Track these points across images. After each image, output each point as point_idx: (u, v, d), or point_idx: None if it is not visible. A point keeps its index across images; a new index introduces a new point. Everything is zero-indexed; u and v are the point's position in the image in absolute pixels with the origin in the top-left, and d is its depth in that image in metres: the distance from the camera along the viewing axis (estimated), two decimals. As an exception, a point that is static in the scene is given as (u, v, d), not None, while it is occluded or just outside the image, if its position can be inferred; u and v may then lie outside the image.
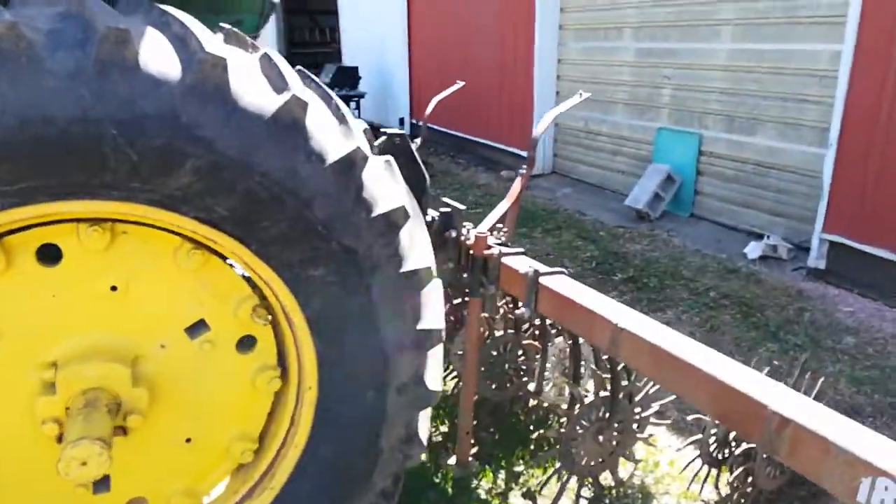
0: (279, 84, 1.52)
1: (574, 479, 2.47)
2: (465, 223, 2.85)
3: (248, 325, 1.73)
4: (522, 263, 2.43)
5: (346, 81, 11.22)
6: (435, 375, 1.97)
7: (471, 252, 2.53)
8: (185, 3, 2.08)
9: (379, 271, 1.69)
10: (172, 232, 1.54)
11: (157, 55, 1.36)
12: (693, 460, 2.45)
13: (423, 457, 2.78)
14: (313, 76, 1.77)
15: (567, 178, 7.85)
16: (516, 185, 2.88)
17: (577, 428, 2.36)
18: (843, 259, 4.61)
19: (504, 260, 2.46)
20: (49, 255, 1.53)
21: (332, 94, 1.76)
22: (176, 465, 1.80)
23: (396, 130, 3.02)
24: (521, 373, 2.93)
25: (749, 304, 4.21)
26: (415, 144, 2.83)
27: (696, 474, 2.45)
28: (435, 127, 10.47)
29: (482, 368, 2.90)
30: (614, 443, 2.44)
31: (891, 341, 3.78)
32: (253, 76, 1.50)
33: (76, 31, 1.30)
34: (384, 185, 1.73)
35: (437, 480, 2.63)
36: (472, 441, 2.84)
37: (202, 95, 1.38)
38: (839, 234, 4.59)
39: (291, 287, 1.63)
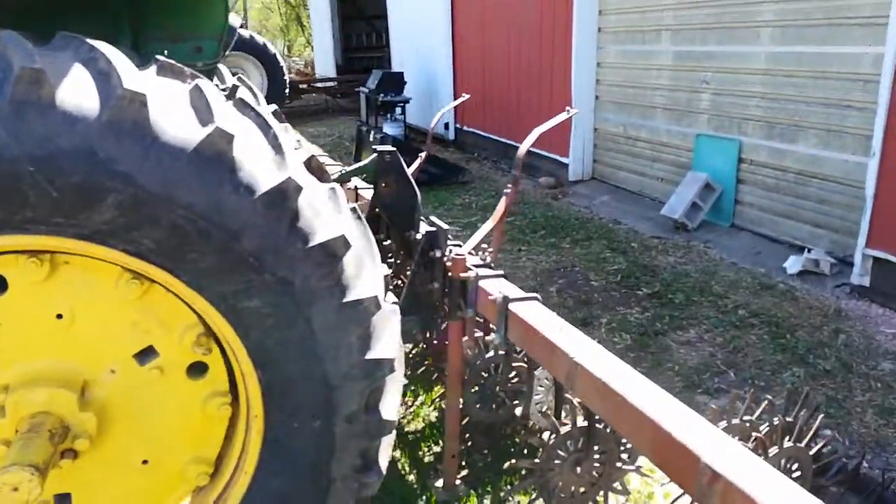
0: (205, 116, 1.52)
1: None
2: (454, 242, 2.80)
3: (196, 353, 1.75)
4: (498, 287, 2.37)
5: (391, 86, 11.30)
6: (391, 404, 1.94)
7: (449, 274, 2.47)
8: (143, 32, 2.12)
9: (318, 302, 1.67)
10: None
11: (74, 92, 1.38)
12: (682, 494, 2.32)
13: (412, 478, 2.77)
14: (254, 105, 1.77)
15: (606, 185, 7.64)
16: (501, 205, 2.81)
17: (554, 458, 2.27)
18: (888, 276, 4.28)
19: (481, 283, 2.40)
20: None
21: (272, 122, 1.75)
22: (134, 486, 1.84)
23: (388, 148, 3.01)
24: (513, 396, 2.85)
25: (779, 324, 3.97)
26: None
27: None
28: (479, 132, 10.44)
29: (473, 390, 2.85)
30: (595, 474, 2.34)
31: (933, 368, 3.48)
32: (178, 109, 1.51)
33: (-3, 71, 1.34)
34: (323, 215, 1.70)
35: (422, 503, 2.58)
36: (461, 464, 2.80)
37: (120, 131, 1.40)
38: (884, 249, 4.28)
39: (228, 318, 1.63)
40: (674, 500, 2.42)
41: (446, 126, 11.39)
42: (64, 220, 1.42)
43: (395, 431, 2.04)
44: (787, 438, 2.28)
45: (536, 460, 2.25)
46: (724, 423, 2.34)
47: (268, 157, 1.62)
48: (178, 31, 2.18)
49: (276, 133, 1.70)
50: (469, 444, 2.90)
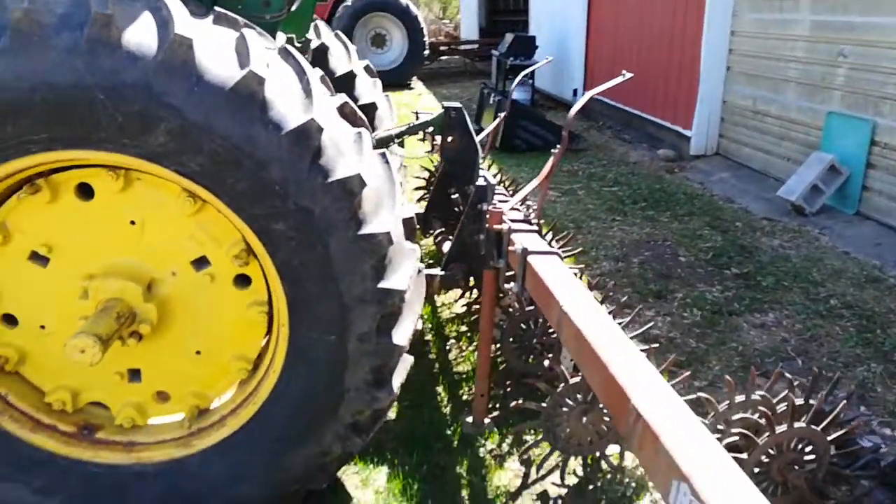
0: (244, 61, 1.79)
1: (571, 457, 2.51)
2: (502, 198, 2.93)
3: (237, 266, 2.07)
4: (528, 241, 2.48)
5: (522, 50, 11.25)
6: (403, 331, 2.16)
7: (487, 226, 2.62)
8: None
9: (335, 231, 1.92)
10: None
11: (136, 35, 1.70)
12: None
13: (447, 411, 2.98)
14: (297, 55, 2.01)
15: (729, 161, 7.22)
16: (547, 165, 2.88)
17: (561, 407, 2.38)
18: None
19: (513, 236, 2.52)
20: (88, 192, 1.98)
21: (310, 70, 1.99)
22: (189, 371, 2.22)
23: (454, 105, 3.18)
24: (549, 349, 2.96)
25: (872, 319, 3.68)
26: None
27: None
28: (605, 99, 10.17)
29: (511, 339, 2.99)
30: (605, 427, 2.42)
31: None
32: (222, 53, 1.79)
33: (79, 14, 1.68)
34: (345, 155, 1.94)
35: (448, 433, 2.80)
36: (494, 406, 2.98)
37: (171, 69, 1.71)
38: None
39: (260, 238, 1.92)
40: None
41: (574, 92, 11.20)
42: (129, 141, 1.77)
43: (410, 358, 2.27)
44: (801, 419, 2.22)
45: (544, 404, 2.37)
46: (741, 397, 2.33)
47: (297, 99, 1.86)
48: (250, -15, 2.46)
49: (309, 79, 1.93)
50: (507, 389, 3.06)
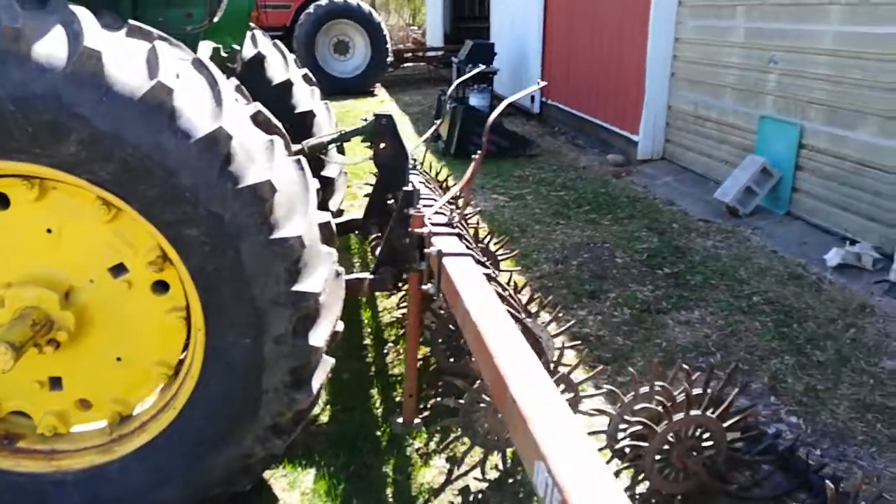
0: (153, 72, 1.86)
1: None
2: (428, 202, 3.03)
3: (154, 272, 2.13)
4: (448, 244, 2.59)
5: (481, 57, 11.40)
6: (320, 333, 2.24)
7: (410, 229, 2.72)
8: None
9: (246, 236, 2.00)
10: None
11: (46, 47, 1.77)
12: (600, 450, 2.47)
13: (378, 412, 3.07)
14: (211, 66, 2.09)
15: (674, 165, 7.46)
16: (469, 170, 2.99)
17: (478, 403, 2.49)
18: (928, 275, 4.03)
19: (434, 239, 2.63)
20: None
21: (222, 80, 2.07)
22: (111, 377, 2.26)
23: (384, 113, 3.29)
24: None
25: (790, 314, 3.88)
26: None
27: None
28: (561, 106, 10.38)
29: (440, 340, 3.10)
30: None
31: (941, 371, 3.31)
32: (131, 65, 1.86)
33: (-11, 29, 1.74)
34: (256, 161, 2.02)
35: (378, 434, 2.89)
36: (425, 406, 3.07)
37: (80, 80, 1.78)
38: (927, 246, 4.02)
39: (173, 244, 1.99)
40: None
41: (532, 99, 11.40)
42: (41, 151, 1.83)
43: (331, 360, 2.35)
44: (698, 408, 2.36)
45: (461, 401, 2.48)
46: (645, 388, 2.47)
47: (206, 108, 1.95)
48: (170, -1, 2.54)
49: (220, 89, 2.02)
50: (438, 389, 3.16)
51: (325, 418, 2.97)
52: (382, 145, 3.37)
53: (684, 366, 2.45)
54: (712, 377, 2.45)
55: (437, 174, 4.88)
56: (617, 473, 2.46)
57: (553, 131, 9.96)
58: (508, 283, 3.42)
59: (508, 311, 2.47)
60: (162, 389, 2.32)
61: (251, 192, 1.97)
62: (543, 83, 3.09)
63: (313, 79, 4.06)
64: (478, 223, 4.08)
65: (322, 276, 2.20)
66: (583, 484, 1.28)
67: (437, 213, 2.96)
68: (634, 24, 7.76)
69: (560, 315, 3.89)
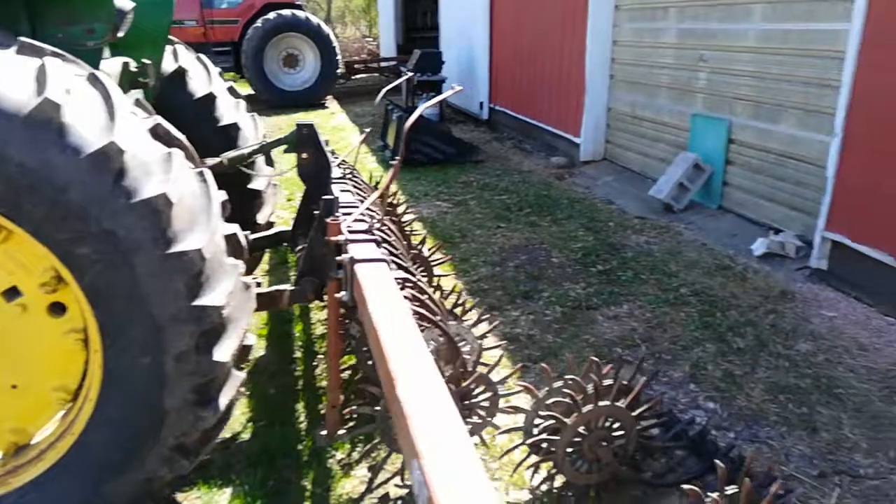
0: (41, 88, 1.85)
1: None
2: (346, 210, 3.06)
3: (48, 294, 2.10)
4: (365, 251, 2.61)
5: (429, 66, 11.50)
6: (225, 348, 2.23)
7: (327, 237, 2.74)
8: (40, 16, 2.49)
9: (141, 251, 1.98)
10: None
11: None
12: (517, 446, 2.52)
13: (302, 426, 3.06)
14: (106, 80, 2.08)
15: (615, 166, 7.63)
16: (386, 178, 3.03)
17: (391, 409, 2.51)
18: (844, 260, 4.20)
19: (349, 246, 2.65)
20: None
21: (117, 94, 2.07)
22: (5, 406, 2.17)
23: (306, 122, 3.31)
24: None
25: (715, 304, 4.00)
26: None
27: (521, 462, 2.52)
28: (509, 112, 10.52)
29: (364, 349, 3.11)
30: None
31: (852, 351, 3.45)
32: (18, 82, 1.85)
33: None
34: (152, 175, 2.01)
35: (300, 448, 2.88)
36: (349, 416, 3.07)
37: (-38, 98, 1.76)
38: (841, 232, 4.19)
39: (65, 263, 1.96)
40: (507, 451, 2.64)
41: (481, 105, 11.53)
42: (-76, 171, 1.80)
43: (241, 375, 2.35)
44: (605, 399, 2.43)
45: (377, 409, 2.50)
46: (559, 382, 2.53)
47: (97, 123, 1.94)
48: (71, 15, 2.52)
49: (114, 103, 2.01)
50: (365, 399, 3.17)
51: (245, 435, 2.95)
52: (305, 155, 3.38)
53: (594, 358, 2.52)
54: (622, 368, 2.52)
55: (376, 182, 4.88)
56: (535, 468, 2.51)
57: (500, 136, 10.08)
58: (437, 288, 3.48)
59: (423, 315, 2.52)
60: (62, 415, 2.27)
61: (146, 207, 1.95)
62: (459, 88, 3.13)
63: (238, 92, 4.05)
64: (411, 231, 4.11)
65: (226, 290, 2.19)
66: (452, 482, 1.30)
67: (356, 220, 2.99)
68: (574, 28, 7.92)
69: (493, 316, 3.96)
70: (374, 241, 2.81)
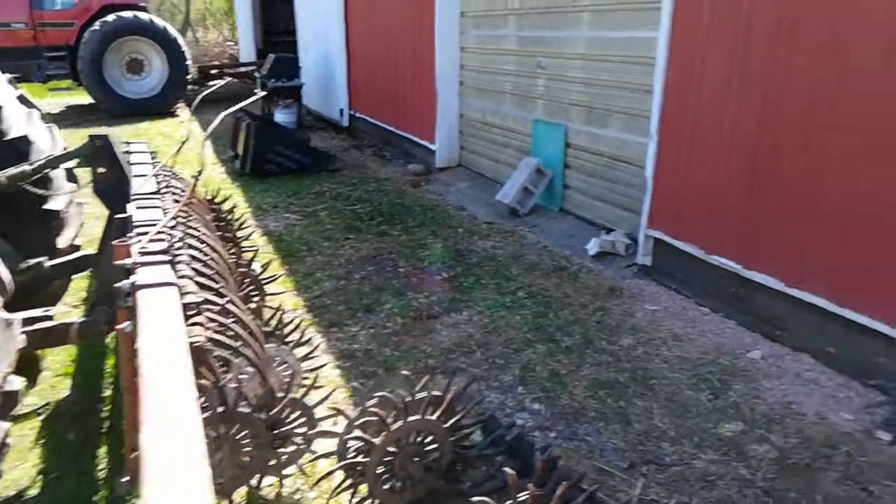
0: None
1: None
2: (143, 230, 2.80)
3: None
4: (158, 274, 2.38)
5: (284, 72, 11.12)
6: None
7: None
8: None
9: None
10: None
11: None
12: (333, 470, 2.40)
13: (101, 474, 2.75)
14: None
15: (470, 172, 7.74)
16: (189, 189, 2.82)
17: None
18: (665, 256, 4.47)
19: (138, 270, 2.42)
20: None
21: None
22: None
23: (100, 133, 3.00)
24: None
25: (549, 305, 4.11)
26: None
27: (338, 487, 2.41)
28: (368, 118, 10.40)
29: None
30: (246, 458, 2.39)
31: (668, 342, 3.66)
32: None
33: None
34: None
35: (95, 499, 2.59)
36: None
37: None
38: (661, 230, 4.46)
39: None
40: (322, 477, 2.52)
41: (341, 112, 11.34)
42: None
43: (5, 425, 2.06)
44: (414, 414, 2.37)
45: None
46: (373, 401, 2.44)
47: None
48: None
49: None
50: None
51: (33, 491, 2.61)
52: (102, 170, 3.08)
53: (405, 372, 2.45)
54: (454, 377, 2.47)
55: (214, 197, 4.55)
56: (353, 491, 2.40)
57: (361, 144, 9.96)
58: (259, 308, 3.28)
59: (219, 341, 2.34)
60: None
61: None
62: (263, 93, 2.98)
63: (31, 101, 3.63)
64: (240, 250, 3.87)
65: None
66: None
67: (153, 240, 2.74)
68: (423, 34, 7.95)
69: (331, 333, 3.83)
70: (169, 262, 2.58)
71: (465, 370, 3.40)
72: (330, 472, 2.41)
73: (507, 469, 2.00)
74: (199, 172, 2.82)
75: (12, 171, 3.01)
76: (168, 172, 3.85)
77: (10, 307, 2.46)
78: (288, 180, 7.50)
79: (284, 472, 2.39)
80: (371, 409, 2.38)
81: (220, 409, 2.18)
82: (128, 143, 4.03)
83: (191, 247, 2.95)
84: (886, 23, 3.00)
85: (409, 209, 6.29)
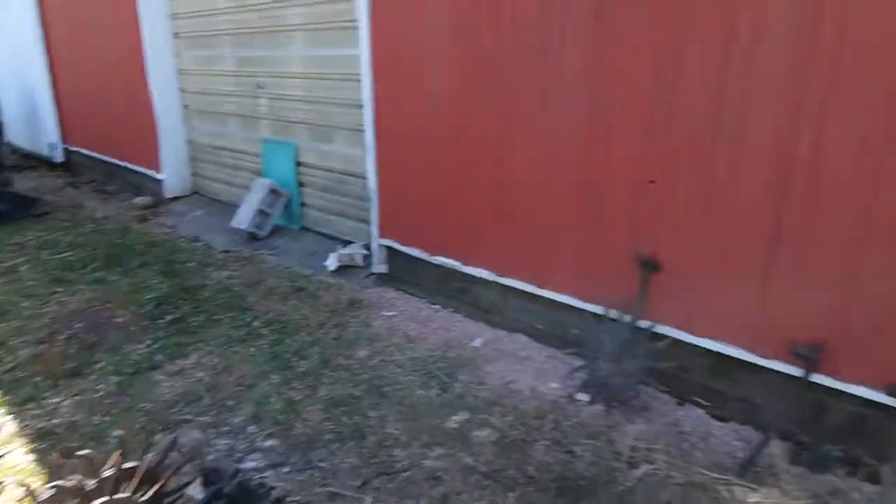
0: None
1: None
2: None
3: None
4: None
5: (-29, 107, 9.46)
6: None
7: None
8: None
9: None
10: None
11: None
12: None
13: None
14: None
15: (205, 199, 7.27)
16: None
17: None
18: (399, 262, 4.61)
19: None
20: None
21: None
22: None
23: None
24: None
25: (286, 330, 3.98)
26: None
27: None
28: (86, 152, 9.25)
29: None
30: None
31: (402, 346, 3.75)
32: None
33: None
34: None
35: None
36: None
37: None
38: (391, 238, 4.58)
39: None
40: None
41: (51, 147, 9.94)
42: None
43: None
44: (124, 487, 2.11)
45: None
46: (47, 494, 2.09)
47: None
48: None
49: None
50: None
51: None
52: None
53: (86, 451, 2.15)
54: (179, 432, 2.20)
55: None
56: None
57: (79, 181, 8.83)
58: None
59: None
60: None
61: None
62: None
63: None
64: None
65: None
66: None
67: None
68: (133, 60, 7.25)
69: (24, 411, 3.28)
70: None
71: (191, 421, 3.12)
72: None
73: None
74: None
75: None
76: None
77: None
78: (-22, 231, 6.34)
79: None
80: (48, 500, 2.04)
81: None
82: None
83: None
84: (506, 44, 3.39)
85: (132, 248, 5.68)
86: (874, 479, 2.55)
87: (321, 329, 3.98)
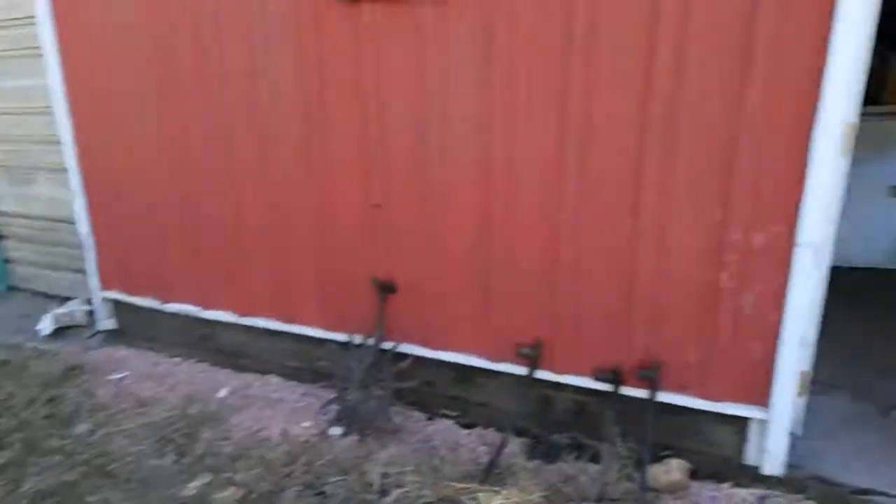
0: None
1: None
2: None
3: None
4: None
5: None
6: None
7: None
8: None
9: None
10: None
11: None
12: None
13: None
14: None
15: None
16: None
17: None
18: (129, 315, 4.12)
19: None
20: None
21: None
22: None
23: None
24: None
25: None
26: None
27: None
28: None
29: None
30: None
31: (133, 412, 3.33)
32: None
33: None
34: None
35: None
36: None
37: None
38: (116, 289, 4.08)
39: None
40: None
41: None
42: None
43: None
44: None
45: None
46: None
47: None
48: None
49: None
50: None
51: None
52: None
53: None
54: None
55: None
56: None
57: None
58: None
59: None
60: None
61: None
62: None
63: None
64: None
65: None
66: None
67: None
68: None
69: None
70: None
71: None
72: None
73: None
74: None
75: None
76: None
77: None
78: None
79: None
80: None
81: None
82: None
83: None
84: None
85: None
86: (596, 459, 2.82)
87: (29, 408, 3.36)
